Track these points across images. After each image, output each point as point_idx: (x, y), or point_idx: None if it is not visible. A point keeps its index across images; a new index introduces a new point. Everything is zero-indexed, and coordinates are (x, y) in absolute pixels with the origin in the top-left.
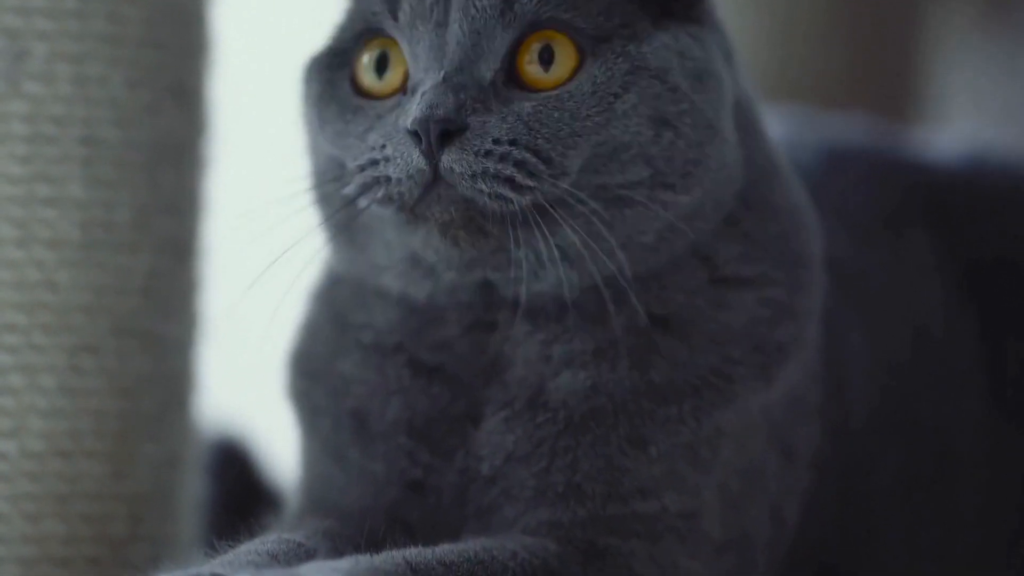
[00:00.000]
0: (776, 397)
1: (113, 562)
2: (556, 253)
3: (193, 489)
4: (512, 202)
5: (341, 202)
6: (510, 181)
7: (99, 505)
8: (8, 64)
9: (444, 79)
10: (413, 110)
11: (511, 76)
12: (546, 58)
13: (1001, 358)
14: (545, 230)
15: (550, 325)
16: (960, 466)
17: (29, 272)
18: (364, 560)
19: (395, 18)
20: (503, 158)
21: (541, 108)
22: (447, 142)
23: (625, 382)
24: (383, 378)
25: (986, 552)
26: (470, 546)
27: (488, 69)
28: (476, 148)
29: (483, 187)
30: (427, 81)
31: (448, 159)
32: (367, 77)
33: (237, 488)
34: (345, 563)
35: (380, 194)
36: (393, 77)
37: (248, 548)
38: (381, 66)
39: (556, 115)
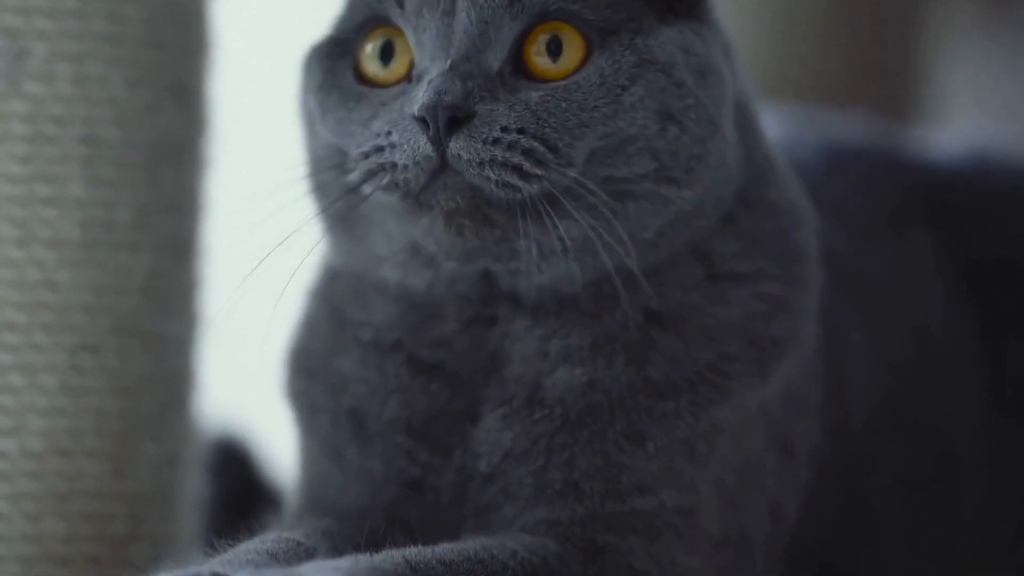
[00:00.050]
0: (773, 394)
1: (113, 561)
2: (566, 244)
3: (193, 488)
4: (520, 190)
5: (341, 190)
6: (518, 169)
7: (99, 504)
8: (8, 64)
9: (451, 67)
10: (420, 97)
11: (518, 66)
12: (553, 49)
13: (1002, 358)
14: (554, 219)
15: (548, 320)
16: (960, 466)
17: (29, 271)
18: (364, 559)
19: (401, 6)
20: (511, 146)
21: (549, 98)
22: (455, 129)
23: (622, 378)
24: (382, 377)
25: (986, 552)
26: (470, 545)
27: (495, 59)
28: (484, 136)
29: (491, 175)
30: (433, 69)
31: (456, 146)
32: (371, 66)
33: (237, 487)
34: (345, 562)
35: (385, 180)
36: (397, 66)
37: (248, 547)
38: (385, 55)
39: (564, 105)
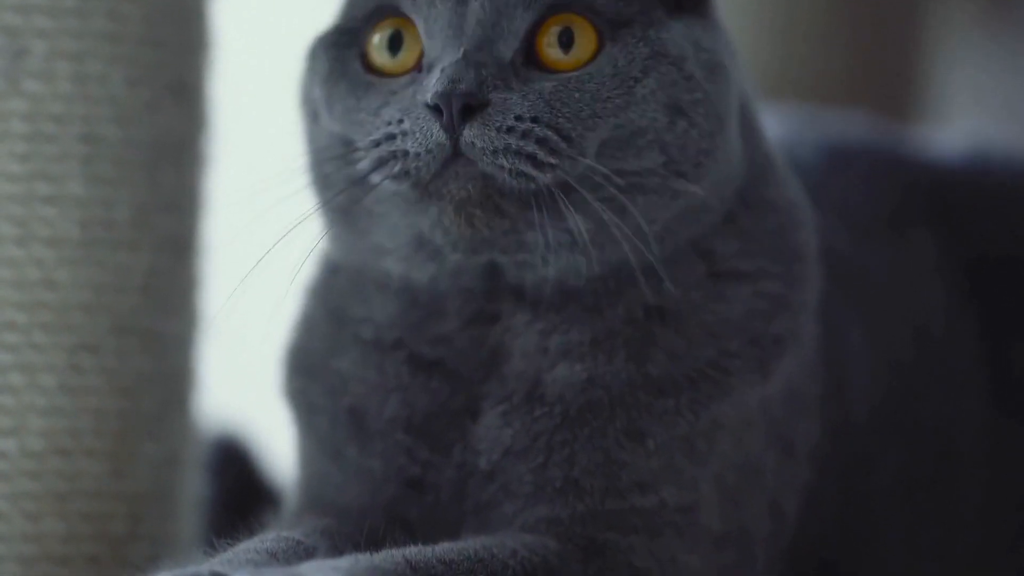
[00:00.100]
0: (774, 392)
1: (113, 561)
2: (577, 235)
3: (193, 488)
4: (534, 180)
5: (346, 181)
6: (532, 158)
7: (99, 503)
8: (8, 62)
9: (465, 56)
10: (433, 84)
11: (529, 57)
12: (565, 41)
13: (1002, 357)
14: (570, 209)
15: (549, 315)
16: (961, 466)
17: (29, 270)
18: (364, 559)
19: None
20: (525, 135)
21: (562, 88)
22: (468, 117)
23: (622, 374)
24: (382, 375)
25: (986, 552)
26: (470, 544)
27: (508, 49)
28: (498, 124)
29: (504, 163)
30: (445, 58)
31: (469, 134)
32: (380, 56)
33: (236, 487)
34: (345, 562)
35: (396, 169)
36: (407, 56)
37: (247, 546)
38: (393, 45)
39: (577, 95)
